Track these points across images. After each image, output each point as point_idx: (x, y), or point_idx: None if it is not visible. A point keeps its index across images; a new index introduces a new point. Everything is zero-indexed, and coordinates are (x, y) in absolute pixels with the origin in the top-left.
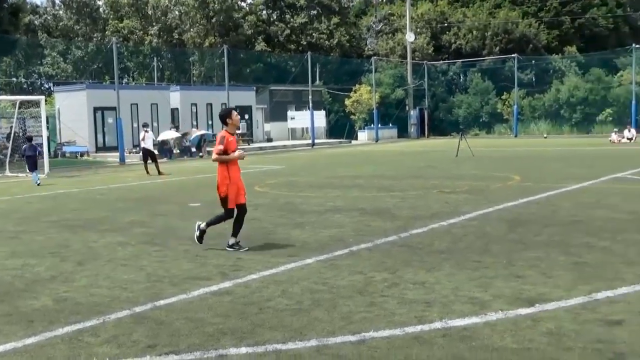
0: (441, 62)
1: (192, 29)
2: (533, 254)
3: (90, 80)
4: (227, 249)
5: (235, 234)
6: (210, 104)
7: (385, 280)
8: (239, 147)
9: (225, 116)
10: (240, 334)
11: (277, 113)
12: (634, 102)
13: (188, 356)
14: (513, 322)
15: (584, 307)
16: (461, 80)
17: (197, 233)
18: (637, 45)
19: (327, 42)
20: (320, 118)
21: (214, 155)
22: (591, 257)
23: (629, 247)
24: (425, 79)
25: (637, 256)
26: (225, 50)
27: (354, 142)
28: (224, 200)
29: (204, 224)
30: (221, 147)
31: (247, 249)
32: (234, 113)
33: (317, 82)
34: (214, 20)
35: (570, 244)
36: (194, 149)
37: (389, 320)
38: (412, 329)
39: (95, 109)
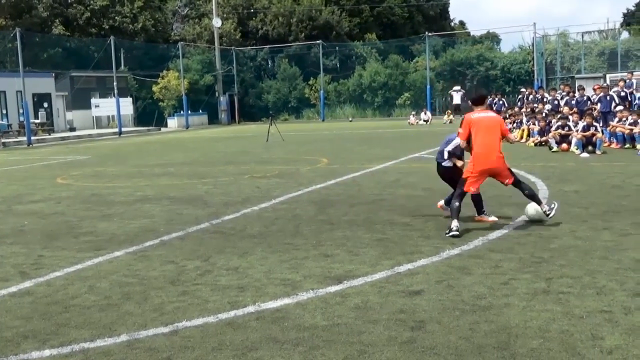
0: (249, 47)
1: None
2: (341, 233)
3: None
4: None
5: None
6: (4, 92)
7: (198, 268)
8: None
9: None
10: (43, 336)
11: (79, 100)
12: (428, 86)
13: None
14: (323, 300)
15: (388, 281)
16: (269, 66)
17: None
18: (430, 34)
19: (131, 26)
20: (127, 105)
21: None
22: (393, 233)
23: (426, 222)
24: (234, 65)
25: (434, 230)
26: (17, 34)
27: (163, 129)
28: None
29: None
30: None
31: (555, 208)
32: None
33: (122, 67)
34: (3, 0)
35: (375, 221)
36: None
37: (202, 308)
38: (225, 315)
39: None
